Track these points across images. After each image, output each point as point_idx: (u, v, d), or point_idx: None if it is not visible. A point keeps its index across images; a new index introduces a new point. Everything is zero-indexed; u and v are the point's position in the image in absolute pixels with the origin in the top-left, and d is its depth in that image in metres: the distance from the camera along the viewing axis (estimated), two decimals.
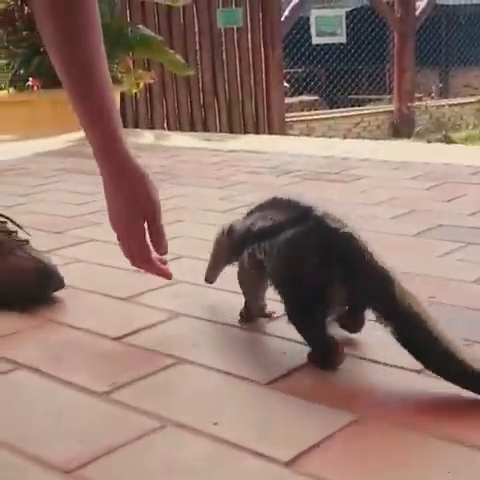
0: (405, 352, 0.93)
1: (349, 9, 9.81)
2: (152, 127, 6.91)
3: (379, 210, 1.93)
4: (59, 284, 1.27)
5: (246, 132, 7.52)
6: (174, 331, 1.16)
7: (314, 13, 8.60)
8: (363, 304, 1.01)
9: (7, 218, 1.33)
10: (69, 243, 1.68)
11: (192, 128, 7.23)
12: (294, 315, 1.02)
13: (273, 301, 1.16)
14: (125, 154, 1.13)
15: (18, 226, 1.33)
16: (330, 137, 8.55)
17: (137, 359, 1.06)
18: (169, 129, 7.04)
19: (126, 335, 1.14)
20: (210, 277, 1.24)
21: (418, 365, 0.94)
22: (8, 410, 0.92)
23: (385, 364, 1.00)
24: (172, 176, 2.51)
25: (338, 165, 2.63)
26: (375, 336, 1.07)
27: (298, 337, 1.10)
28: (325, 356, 1.00)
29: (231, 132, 7.41)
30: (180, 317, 1.20)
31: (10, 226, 1.32)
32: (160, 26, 6.91)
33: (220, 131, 7.39)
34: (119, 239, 1.17)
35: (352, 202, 2.05)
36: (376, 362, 1.01)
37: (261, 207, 1.10)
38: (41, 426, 0.88)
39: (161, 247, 1.16)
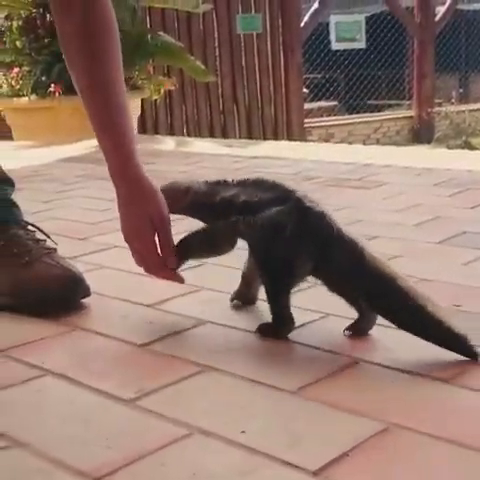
0: (435, 361, 0.93)
1: (368, 14, 9.79)
2: (172, 133, 6.93)
3: (402, 217, 1.92)
4: (86, 291, 1.28)
5: (265, 138, 7.52)
6: (200, 338, 1.16)
7: (333, 19, 8.59)
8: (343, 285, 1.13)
9: (36, 227, 1.34)
10: (93, 249, 1.69)
11: (211, 134, 7.24)
12: (268, 285, 1.15)
13: (298, 309, 1.16)
14: (140, 173, 1.19)
15: (46, 235, 1.34)
16: (349, 143, 8.54)
17: (163, 366, 1.06)
18: (188, 135, 7.06)
19: (152, 342, 1.14)
20: None
21: (448, 374, 0.93)
22: (36, 416, 0.93)
23: (415, 373, 1.00)
24: None
25: (360, 171, 2.62)
26: (404, 345, 1.07)
27: (325, 345, 1.10)
28: (284, 326, 1.14)
29: (250, 138, 7.41)
30: (206, 324, 1.20)
31: (39, 235, 1.33)
32: (180, 32, 6.93)
33: (239, 137, 7.39)
34: (132, 251, 1.23)
35: (375, 209, 2.05)
36: (405, 371, 1.01)
37: (244, 183, 1.21)
38: (69, 432, 0.89)
39: (170, 261, 1.22)
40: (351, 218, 1.91)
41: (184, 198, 1.23)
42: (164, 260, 1.21)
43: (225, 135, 7.31)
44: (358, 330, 1.14)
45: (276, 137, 7.59)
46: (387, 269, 1.08)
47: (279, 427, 0.88)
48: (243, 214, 1.16)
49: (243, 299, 1.28)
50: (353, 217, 1.92)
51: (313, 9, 8.18)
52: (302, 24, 7.93)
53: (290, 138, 7.59)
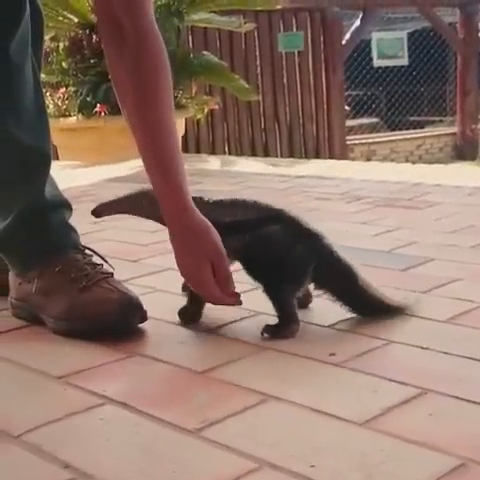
0: None
1: (410, 31, 9.74)
2: (213, 150, 6.95)
3: (457, 238, 1.88)
4: (143, 316, 1.27)
5: (307, 155, 7.51)
6: (260, 365, 1.14)
7: (375, 36, 8.56)
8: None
9: (93, 251, 1.34)
10: (146, 272, 1.68)
11: (253, 151, 7.25)
12: (280, 292, 1.26)
13: (360, 335, 1.14)
14: (191, 210, 1.21)
15: (103, 259, 1.34)
16: (392, 160, 8.47)
17: (225, 394, 1.04)
18: (230, 152, 7.08)
19: (212, 369, 1.12)
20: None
21: None
22: (100, 446, 0.92)
23: None
24: None
25: (410, 191, 2.59)
26: (473, 374, 1.04)
27: (387, 374, 1.07)
28: (293, 326, 1.24)
29: (292, 155, 7.40)
30: (266, 350, 1.18)
31: (95, 259, 1.33)
32: (222, 50, 6.98)
33: (281, 154, 7.39)
34: (189, 284, 1.25)
35: (429, 230, 2.01)
36: (477, 403, 0.97)
37: (221, 204, 1.28)
38: (134, 464, 0.87)
39: (228, 289, 1.23)
40: (404, 240, 1.88)
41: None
42: (222, 291, 1.22)
43: (266, 153, 7.31)
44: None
45: (318, 155, 7.57)
46: (377, 293, 1.29)
47: (350, 462, 0.85)
48: (230, 234, 1.23)
49: (188, 317, 1.32)
50: (406, 239, 1.89)
51: (355, 27, 8.17)
52: (344, 42, 7.92)
53: (332, 155, 7.57)
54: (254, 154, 7.19)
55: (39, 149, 1.35)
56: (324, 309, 1.38)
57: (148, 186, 1.26)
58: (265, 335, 1.23)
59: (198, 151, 6.82)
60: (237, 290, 1.25)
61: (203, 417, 0.96)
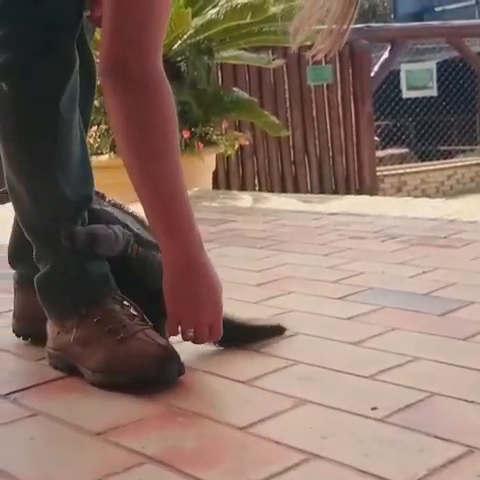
0: None
1: (439, 61, 9.73)
2: (243, 185, 6.97)
3: None
4: (181, 369, 1.25)
5: (337, 187, 7.49)
6: (301, 421, 1.11)
7: (404, 67, 8.55)
8: None
9: (130, 303, 1.33)
10: None
11: (283, 184, 7.25)
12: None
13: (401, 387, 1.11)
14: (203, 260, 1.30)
15: (139, 311, 1.33)
16: (423, 190, 8.42)
17: (266, 453, 1.02)
18: (260, 185, 7.09)
19: (252, 424, 1.10)
20: None
21: None
22: None
23: None
24: (275, 242, 2.49)
25: (445, 228, 2.56)
26: None
27: (432, 430, 1.04)
28: None
29: (321, 188, 7.39)
30: (306, 404, 1.16)
31: (133, 310, 1.32)
32: (251, 85, 7.01)
33: (311, 187, 7.38)
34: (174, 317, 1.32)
35: (465, 270, 1.98)
36: None
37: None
38: None
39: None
40: (442, 281, 1.85)
41: None
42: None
43: (296, 186, 7.30)
44: None
45: (348, 187, 7.55)
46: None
47: None
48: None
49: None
50: (444, 280, 1.87)
51: (383, 59, 8.17)
52: (372, 74, 7.93)
53: (362, 188, 7.54)
54: (284, 187, 7.19)
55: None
56: (363, 358, 1.35)
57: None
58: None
59: (228, 186, 6.84)
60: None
61: (245, 478, 0.94)
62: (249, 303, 1.76)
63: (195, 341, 1.34)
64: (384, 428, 1.07)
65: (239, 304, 1.74)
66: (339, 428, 1.08)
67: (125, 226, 1.38)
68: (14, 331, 1.53)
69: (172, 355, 1.25)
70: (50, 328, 1.39)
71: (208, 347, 1.42)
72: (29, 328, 1.50)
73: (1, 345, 1.53)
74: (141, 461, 1.01)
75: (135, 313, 1.31)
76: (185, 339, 1.33)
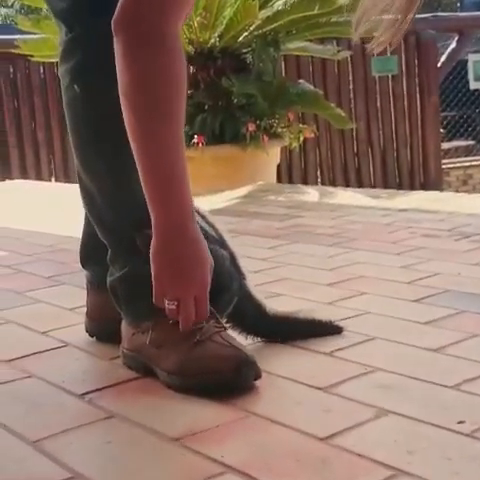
0: None
1: None
2: (305, 178, 6.91)
3: None
4: (258, 373, 1.23)
5: (400, 181, 7.37)
6: (385, 433, 1.07)
7: (472, 57, 8.34)
8: None
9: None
10: None
11: (345, 177, 7.17)
12: None
13: None
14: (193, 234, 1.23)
15: (215, 314, 1.30)
16: None
17: (349, 467, 0.99)
18: (322, 177, 7.03)
19: (333, 435, 1.07)
20: None
21: None
22: None
23: None
24: (344, 239, 2.45)
25: None
26: None
27: None
28: None
29: (385, 181, 7.28)
30: (389, 415, 1.12)
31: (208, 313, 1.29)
32: (315, 77, 6.94)
33: (374, 180, 7.28)
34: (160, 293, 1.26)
35: None
36: None
37: None
38: None
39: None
40: None
41: None
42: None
43: (359, 178, 7.21)
44: None
45: (412, 180, 7.42)
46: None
47: None
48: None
49: None
50: None
51: (450, 49, 8.00)
52: (439, 64, 7.76)
53: (427, 181, 7.40)
54: (347, 180, 7.11)
55: None
56: (444, 367, 1.31)
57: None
58: None
59: (290, 179, 6.79)
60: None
61: None
62: (322, 303, 1.72)
63: (182, 319, 1.25)
64: (472, 444, 1.03)
65: (312, 304, 1.71)
66: (425, 443, 1.04)
67: None
68: (87, 330, 1.53)
69: (248, 359, 1.22)
70: (125, 329, 1.38)
71: (282, 350, 1.39)
72: (102, 328, 1.49)
73: (74, 343, 1.53)
74: (221, 471, 0.99)
75: (210, 315, 1.28)
76: (170, 314, 1.25)
